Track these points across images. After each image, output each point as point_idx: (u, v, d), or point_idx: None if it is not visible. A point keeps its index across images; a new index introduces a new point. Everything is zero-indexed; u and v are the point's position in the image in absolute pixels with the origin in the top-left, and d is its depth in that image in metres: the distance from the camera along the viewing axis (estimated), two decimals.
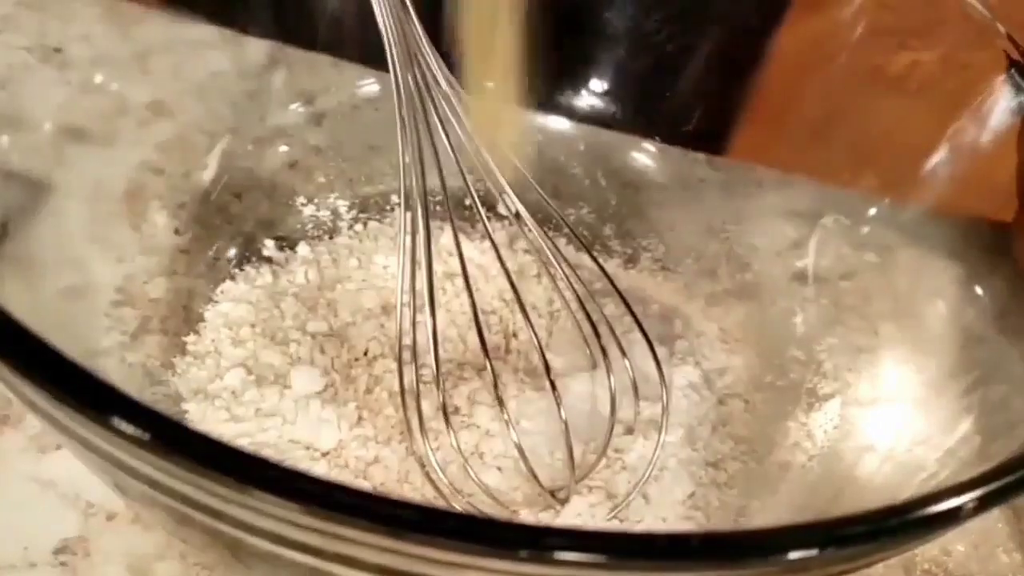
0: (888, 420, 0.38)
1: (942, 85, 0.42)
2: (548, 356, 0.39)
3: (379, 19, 0.37)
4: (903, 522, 0.21)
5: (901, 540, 0.22)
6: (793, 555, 0.19)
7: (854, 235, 0.46)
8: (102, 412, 0.20)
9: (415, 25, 0.37)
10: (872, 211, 0.45)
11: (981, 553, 0.41)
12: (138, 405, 0.20)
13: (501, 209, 0.43)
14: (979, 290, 0.38)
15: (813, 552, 0.19)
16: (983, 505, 0.22)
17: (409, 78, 0.37)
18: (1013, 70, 0.37)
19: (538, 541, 0.18)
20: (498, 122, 0.38)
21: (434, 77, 0.38)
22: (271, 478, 0.19)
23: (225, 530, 0.23)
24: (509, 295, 0.43)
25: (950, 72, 0.42)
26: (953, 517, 0.22)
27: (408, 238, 0.38)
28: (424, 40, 0.37)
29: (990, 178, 0.39)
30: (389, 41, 0.37)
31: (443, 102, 0.38)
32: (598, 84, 0.50)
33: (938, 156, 0.41)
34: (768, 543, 0.18)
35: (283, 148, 0.47)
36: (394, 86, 0.37)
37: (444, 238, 0.43)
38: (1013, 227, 0.39)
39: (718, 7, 0.49)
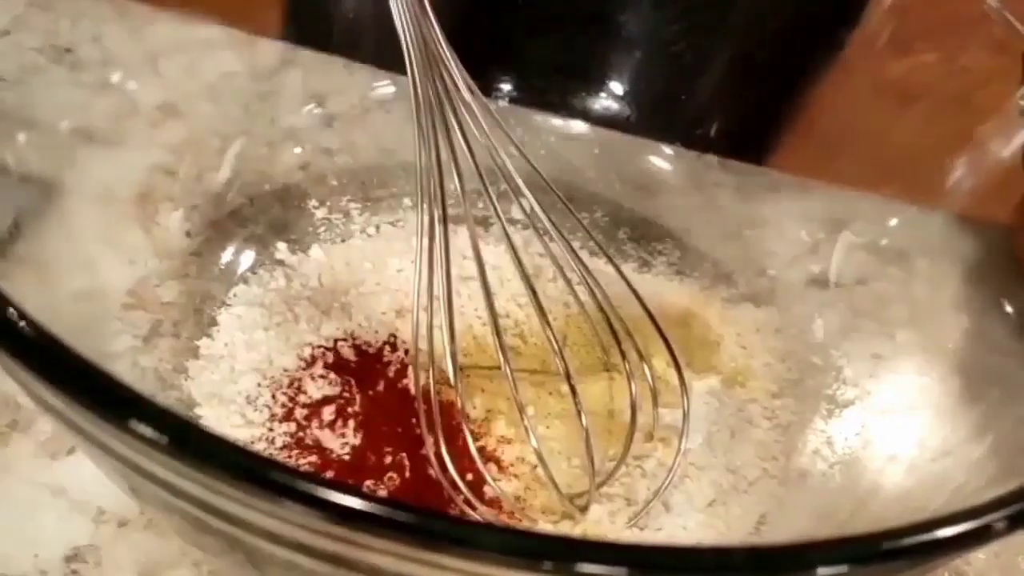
0: (911, 430, 0.38)
1: (966, 93, 0.42)
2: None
3: (397, 22, 0.36)
4: (936, 540, 0.21)
5: (936, 556, 0.22)
6: (826, 571, 0.19)
7: (872, 241, 0.45)
8: (120, 414, 0.19)
9: (434, 28, 0.36)
10: (893, 219, 0.44)
11: (1002, 561, 0.40)
12: (157, 407, 0.19)
13: (515, 212, 0.43)
14: (1004, 300, 0.37)
15: (843, 568, 0.19)
16: (1017, 523, 0.22)
17: (428, 82, 0.36)
18: None
19: (575, 553, 0.17)
20: None
21: (453, 80, 0.37)
22: (294, 485, 0.19)
23: (243, 536, 0.22)
24: (524, 299, 0.43)
25: (975, 80, 0.41)
26: (986, 536, 0.21)
27: (425, 241, 0.38)
28: (443, 43, 0.37)
29: (1016, 187, 0.39)
30: (407, 44, 0.36)
31: (461, 105, 0.37)
32: (614, 87, 0.49)
33: (962, 165, 0.41)
34: (811, 557, 0.18)
35: (296, 150, 0.47)
36: (411, 89, 0.37)
37: (459, 241, 0.42)
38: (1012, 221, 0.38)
39: (737, 14, 0.49)
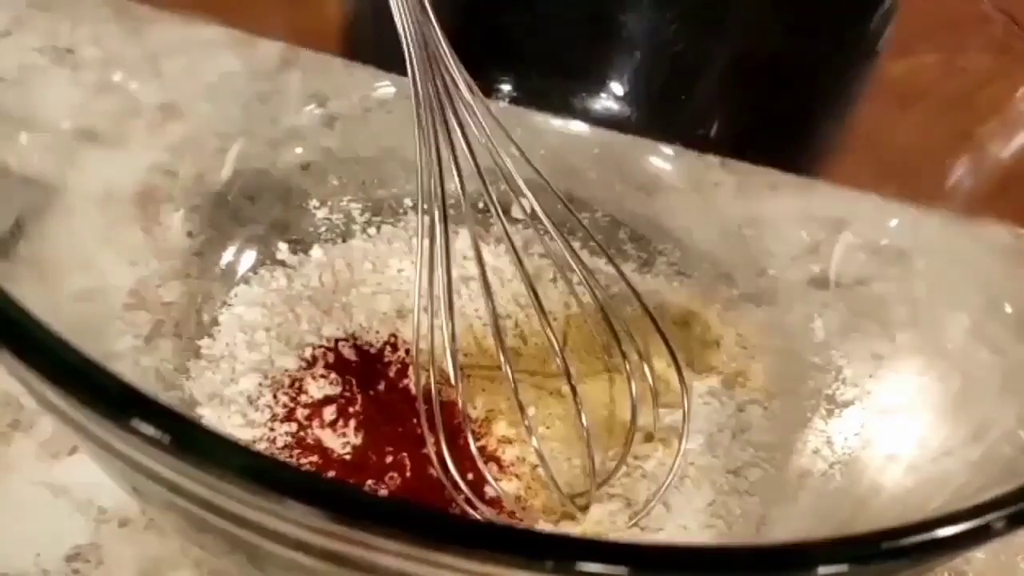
0: (911, 430, 0.38)
1: (966, 94, 0.42)
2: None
3: (398, 22, 0.36)
4: (936, 539, 0.21)
5: (936, 555, 0.22)
6: (826, 570, 0.19)
7: (872, 241, 0.45)
8: (122, 413, 0.19)
9: (435, 28, 0.36)
10: (893, 219, 0.44)
11: (1002, 562, 0.40)
12: (159, 406, 0.19)
13: (515, 212, 0.43)
14: (1003, 300, 0.37)
15: (843, 567, 0.19)
16: (1016, 523, 0.22)
17: (428, 82, 0.36)
18: None
19: (577, 552, 0.17)
20: None
21: (453, 81, 0.37)
22: (296, 484, 0.19)
23: (244, 535, 0.22)
24: (524, 299, 0.43)
25: (975, 80, 0.41)
26: (985, 535, 0.21)
27: (426, 241, 0.38)
28: (444, 43, 0.37)
29: (1017, 187, 0.39)
30: (408, 44, 0.36)
31: (461, 105, 0.38)
32: (614, 87, 0.50)
33: (962, 165, 0.41)
34: (811, 556, 0.18)
35: (297, 150, 0.47)
36: (412, 90, 0.37)
37: (460, 242, 0.42)
38: None
39: (737, 14, 0.49)
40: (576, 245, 0.43)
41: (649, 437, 0.39)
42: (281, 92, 0.48)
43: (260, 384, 0.38)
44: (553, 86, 0.50)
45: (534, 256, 0.45)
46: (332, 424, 0.38)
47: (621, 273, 0.42)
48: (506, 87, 0.49)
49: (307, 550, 0.21)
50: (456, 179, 0.38)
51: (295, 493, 0.19)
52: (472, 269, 0.41)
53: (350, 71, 0.50)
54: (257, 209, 0.45)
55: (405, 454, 0.37)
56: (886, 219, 0.45)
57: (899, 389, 0.40)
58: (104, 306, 0.38)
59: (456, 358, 0.37)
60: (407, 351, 0.40)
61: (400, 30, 0.36)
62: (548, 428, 0.39)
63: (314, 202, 0.46)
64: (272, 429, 0.37)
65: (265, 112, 0.47)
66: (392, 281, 0.43)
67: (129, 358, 0.37)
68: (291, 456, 0.36)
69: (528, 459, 0.38)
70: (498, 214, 0.39)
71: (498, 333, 0.37)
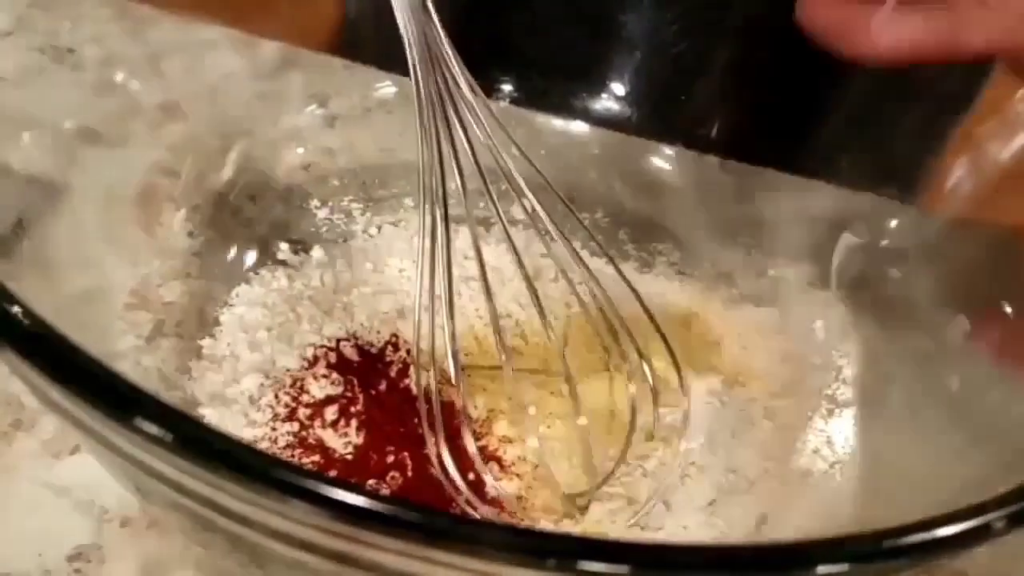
0: (911, 430, 0.38)
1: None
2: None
3: (400, 22, 0.36)
4: (936, 539, 0.21)
5: (936, 555, 0.22)
6: (826, 570, 0.19)
7: (872, 242, 0.45)
8: (126, 412, 0.19)
9: (437, 28, 0.36)
10: (893, 219, 0.44)
11: (1002, 561, 0.40)
12: (163, 405, 0.20)
13: (516, 212, 0.43)
14: (1003, 301, 0.37)
15: (843, 567, 0.19)
16: (1016, 523, 0.22)
17: (430, 82, 0.37)
18: None
19: (579, 551, 0.17)
20: None
21: (454, 80, 0.37)
22: (300, 483, 0.19)
23: (247, 535, 0.22)
24: (524, 299, 0.43)
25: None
26: (985, 535, 0.22)
27: (427, 241, 0.38)
28: (446, 43, 0.37)
29: (1017, 187, 0.39)
30: (410, 44, 0.36)
31: (463, 104, 0.38)
32: (615, 88, 0.50)
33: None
34: (812, 555, 0.18)
35: (298, 150, 0.47)
36: (414, 89, 0.37)
37: (460, 241, 0.42)
38: None
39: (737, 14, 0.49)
40: (576, 245, 0.43)
41: (649, 436, 0.39)
42: (282, 92, 0.48)
43: (262, 384, 0.38)
44: (554, 86, 0.50)
45: (535, 256, 0.45)
46: (334, 424, 0.38)
47: (621, 273, 0.42)
48: (507, 87, 0.49)
49: (309, 549, 0.21)
50: (457, 179, 0.38)
51: (297, 492, 0.19)
52: (473, 269, 0.41)
53: (350, 71, 0.50)
54: (258, 209, 0.45)
55: (406, 453, 0.37)
56: (886, 219, 0.45)
57: (900, 389, 0.40)
58: (105, 306, 0.38)
59: (457, 358, 0.37)
60: (408, 351, 0.41)
61: (402, 30, 0.36)
62: (549, 427, 0.39)
63: (315, 202, 0.46)
64: (274, 429, 0.37)
65: (266, 112, 0.47)
66: (393, 281, 0.43)
67: (130, 358, 0.37)
68: (293, 456, 0.36)
69: (529, 458, 0.38)
70: (498, 214, 0.39)
71: (499, 332, 0.37)
